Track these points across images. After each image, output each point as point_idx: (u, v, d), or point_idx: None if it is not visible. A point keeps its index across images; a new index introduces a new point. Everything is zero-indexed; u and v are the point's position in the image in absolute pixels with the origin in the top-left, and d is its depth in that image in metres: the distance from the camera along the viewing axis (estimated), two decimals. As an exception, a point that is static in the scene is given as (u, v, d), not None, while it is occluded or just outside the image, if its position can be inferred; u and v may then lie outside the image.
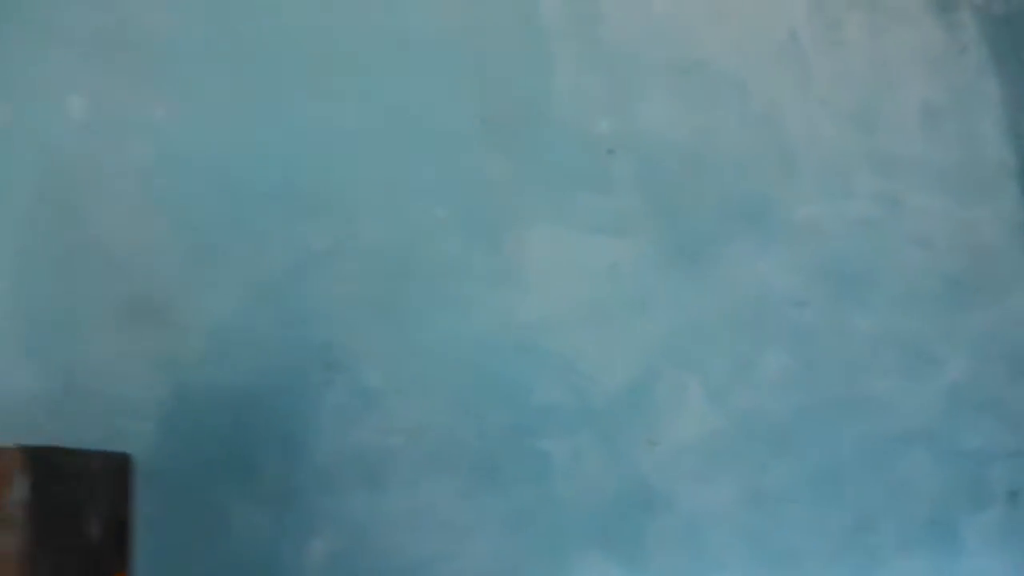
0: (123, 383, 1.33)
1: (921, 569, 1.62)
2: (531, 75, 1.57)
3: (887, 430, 1.65)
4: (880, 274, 1.73)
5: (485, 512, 1.46)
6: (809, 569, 1.58)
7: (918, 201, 1.81)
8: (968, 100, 1.90)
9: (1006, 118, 1.85)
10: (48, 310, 1.32)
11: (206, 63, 1.42)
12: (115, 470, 1.14)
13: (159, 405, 1.34)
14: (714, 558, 1.54)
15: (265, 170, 1.42)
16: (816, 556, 1.59)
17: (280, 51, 1.45)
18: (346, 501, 1.40)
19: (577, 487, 1.50)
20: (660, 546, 1.52)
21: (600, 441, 1.52)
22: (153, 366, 1.34)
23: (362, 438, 1.41)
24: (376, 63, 1.49)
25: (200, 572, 1.33)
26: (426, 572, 1.42)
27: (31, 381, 1.30)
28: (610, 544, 1.50)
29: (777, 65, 1.76)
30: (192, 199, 1.39)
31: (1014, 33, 1.90)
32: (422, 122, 1.50)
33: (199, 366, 1.36)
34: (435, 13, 1.53)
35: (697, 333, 1.59)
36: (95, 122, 1.38)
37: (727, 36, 1.73)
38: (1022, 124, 1.85)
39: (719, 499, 1.55)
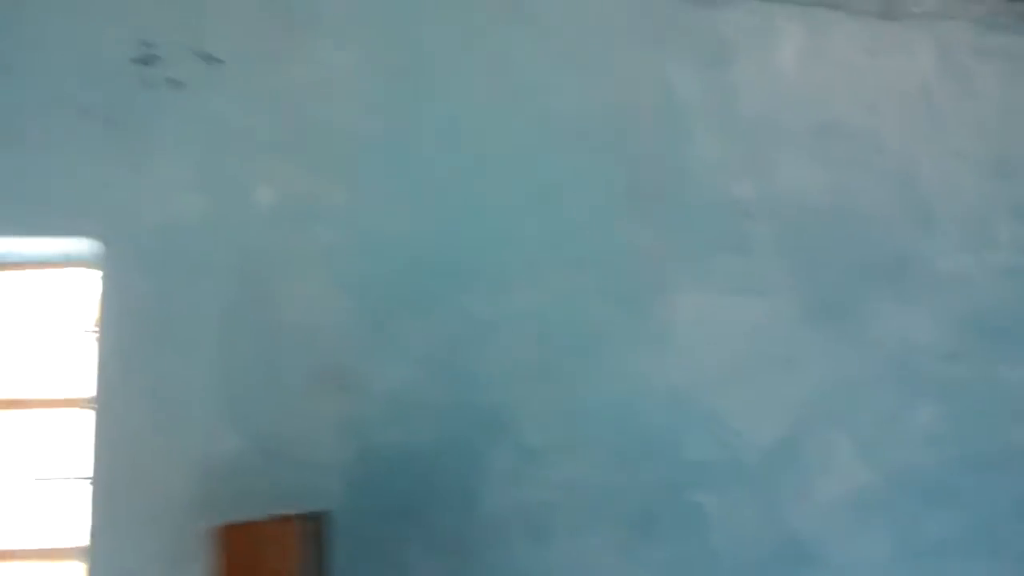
0: (314, 446, 1.46)
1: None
2: (671, 147, 1.66)
3: (1043, 481, 1.64)
4: (1027, 323, 1.73)
5: (643, 563, 1.53)
6: (966, 622, 1.58)
7: (1062, 248, 1.80)
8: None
9: None
10: (247, 383, 1.47)
11: (378, 153, 1.57)
12: (321, 527, 1.28)
13: (346, 465, 1.47)
14: (869, 610, 1.57)
15: (433, 248, 1.55)
16: (973, 609, 1.59)
17: (442, 139, 1.58)
18: (513, 553, 1.49)
19: (731, 539, 1.55)
20: (814, 598, 1.56)
21: (752, 495, 1.57)
22: (340, 430, 1.48)
23: (526, 494, 1.51)
24: (528, 145, 1.61)
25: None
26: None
27: (234, 446, 1.45)
28: (766, 596, 1.54)
29: (910, 120, 1.79)
30: (370, 277, 1.53)
31: None
32: (572, 197, 1.60)
33: (380, 429, 1.48)
34: (580, 96, 1.64)
35: (844, 388, 1.63)
36: (283, 210, 1.53)
37: (859, 95, 1.78)
38: None
39: (872, 553, 1.58)
